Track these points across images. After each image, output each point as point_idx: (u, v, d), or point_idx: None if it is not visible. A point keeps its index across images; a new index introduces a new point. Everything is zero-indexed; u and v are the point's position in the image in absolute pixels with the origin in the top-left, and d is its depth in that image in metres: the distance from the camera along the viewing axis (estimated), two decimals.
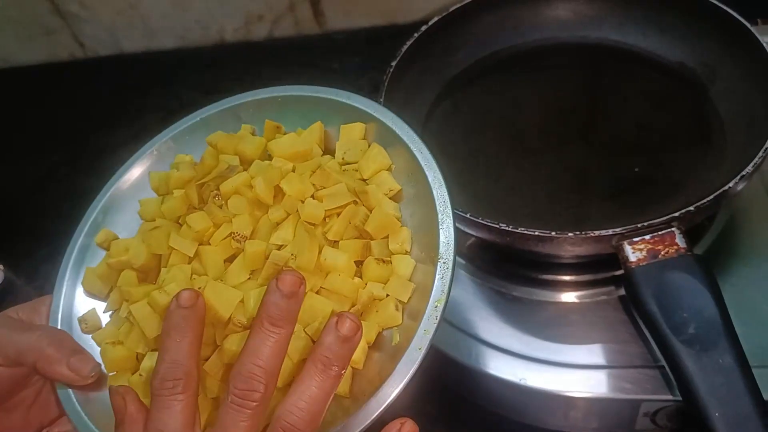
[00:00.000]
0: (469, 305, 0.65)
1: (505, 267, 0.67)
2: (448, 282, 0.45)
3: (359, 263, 0.48)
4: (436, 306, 0.44)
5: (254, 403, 0.40)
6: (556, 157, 0.69)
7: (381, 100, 0.68)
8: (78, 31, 1.14)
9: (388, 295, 0.47)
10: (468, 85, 0.77)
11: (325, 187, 0.50)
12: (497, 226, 0.56)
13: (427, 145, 0.49)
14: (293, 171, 0.52)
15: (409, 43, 0.73)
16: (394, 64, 0.71)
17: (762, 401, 0.48)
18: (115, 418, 0.43)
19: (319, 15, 1.09)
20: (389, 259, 0.48)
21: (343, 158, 0.53)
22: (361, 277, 0.48)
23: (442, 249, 0.45)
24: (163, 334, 0.43)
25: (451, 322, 0.64)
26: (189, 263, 0.50)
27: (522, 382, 0.60)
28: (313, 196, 0.50)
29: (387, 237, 0.49)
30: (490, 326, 0.64)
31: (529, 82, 0.77)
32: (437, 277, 0.45)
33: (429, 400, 0.70)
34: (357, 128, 0.53)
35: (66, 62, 1.18)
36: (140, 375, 0.48)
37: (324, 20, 1.10)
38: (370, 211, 0.49)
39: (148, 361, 0.48)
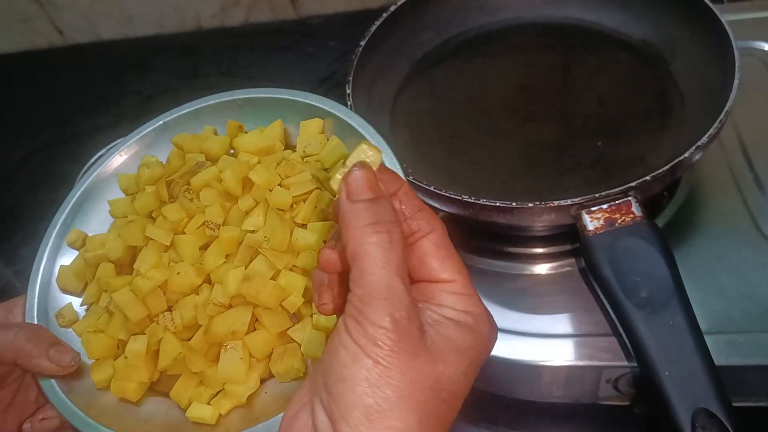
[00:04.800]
0: None
1: (472, 241, 0.68)
2: None
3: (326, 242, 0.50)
4: None
5: None
6: (522, 133, 0.70)
7: (350, 79, 0.69)
8: (56, 18, 1.15)
9: None
10: (436, 65, 0.78)
11: (290, 177, 0.53)
12: (460, 198, 0.58)
13: (381, 135, 0.52)
14: (259, 164, 0.55)
15: (377, 23, 0.74)
16: (362, 44, 0.72)
17: (710, 359, 0.49)
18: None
19: (294, 0, 1.10)
20: None
21: (304, 151, 0.56)
22: None
23: None
24: None
25: None
26: (165, 252, 0.52)
27: None
28: (280, 185, 0.53)
29: None
30: None
31: (496, 60, 0.78)
32: None
33: None
34: (315, 123, 0.57)
35: (44, 50, 1.19)
36: (125, 357, 0.50)
37: (299, 5, 1.11)
38: (334, 196, 0.51)
39: (133, 344, 0.49)
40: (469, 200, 0.57)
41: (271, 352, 0.49)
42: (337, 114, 0.55)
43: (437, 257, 0.38)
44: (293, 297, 0.48)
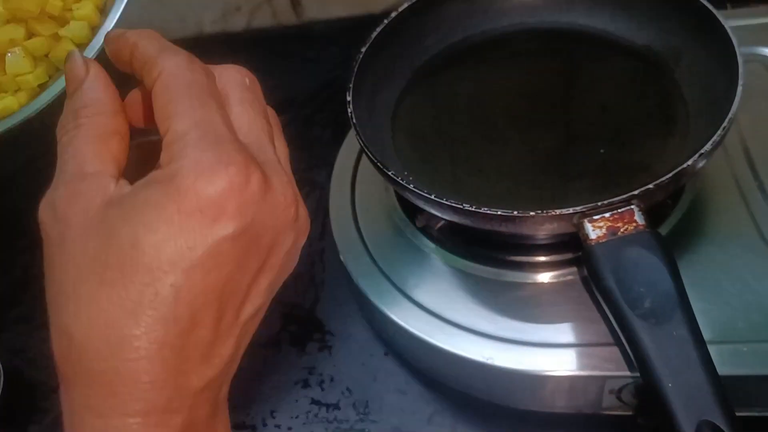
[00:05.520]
0: (437, 287, 0.66)
1: (474, 249, 0.68)
2: None
3: None
4: None
5: None
6: (524, 140, 0.69)
7: (350, 86, 0.68)
8: None
9: None
10: (438, 71, 0.78)
11: None
12: (461, 207, 0.57)
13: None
14: None
15: (379, 29, 0.73)
16: (363, 50, 0.72)
17: (714, 371, 0.49)
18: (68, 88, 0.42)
19: (296, 5, 1.10)
20: None
21: None
22: None
23: None
24: None
25: (420, 303, 0.65)
26: None
27: (488, 362, 0.60)
28: None
29: None
30: (459, 307, 0.64)
31: (499, 67, 0.77)
32: None
33: (397, 381, 0.71)
34: None
35: None
36: None
37: (301, 10, 1.10)
38: None
39: None
40: (470, 209, 0.57)
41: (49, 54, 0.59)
42: None
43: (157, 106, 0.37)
44: (53, 1, 0.58)
